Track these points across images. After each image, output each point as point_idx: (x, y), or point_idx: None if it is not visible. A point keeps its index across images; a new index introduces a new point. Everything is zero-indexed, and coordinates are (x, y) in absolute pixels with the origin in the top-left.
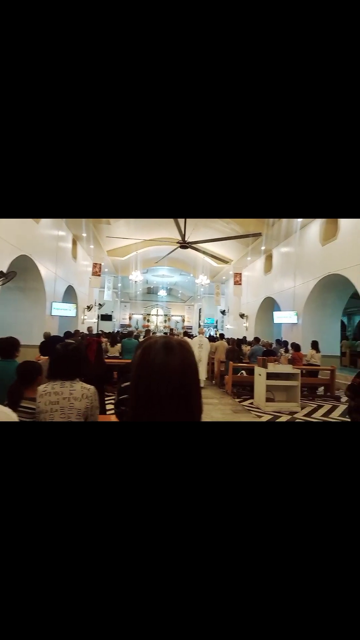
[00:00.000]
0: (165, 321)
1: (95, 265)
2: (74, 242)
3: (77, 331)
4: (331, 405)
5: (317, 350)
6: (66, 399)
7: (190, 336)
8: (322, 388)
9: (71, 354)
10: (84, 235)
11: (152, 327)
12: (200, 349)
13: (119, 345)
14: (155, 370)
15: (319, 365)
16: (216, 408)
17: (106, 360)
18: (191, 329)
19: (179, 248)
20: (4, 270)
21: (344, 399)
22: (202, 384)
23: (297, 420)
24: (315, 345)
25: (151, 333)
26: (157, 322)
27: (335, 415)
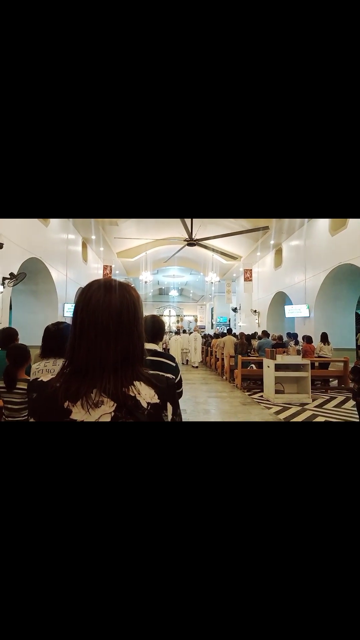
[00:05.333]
0: (177, 321)
1: (105, 267)
2: (84, 245)
3: None
4: (344, 397)
5: (326, 343)
6: None
7: (187, 332)
8: (336, 381)
9: (63, 331)
10: (93, 237)
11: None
12: (195, 341)
13: None
14: (92, 306)
15: (328, 357)
16: (225, 401)
17: None
18: (204, 328)
19: (187, 246)
20: (15, 272)
21: None
22: (196, 365)
23: (306, 410)
24: (324, 337)
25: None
26: (169, 323)
27: (349, 406)
